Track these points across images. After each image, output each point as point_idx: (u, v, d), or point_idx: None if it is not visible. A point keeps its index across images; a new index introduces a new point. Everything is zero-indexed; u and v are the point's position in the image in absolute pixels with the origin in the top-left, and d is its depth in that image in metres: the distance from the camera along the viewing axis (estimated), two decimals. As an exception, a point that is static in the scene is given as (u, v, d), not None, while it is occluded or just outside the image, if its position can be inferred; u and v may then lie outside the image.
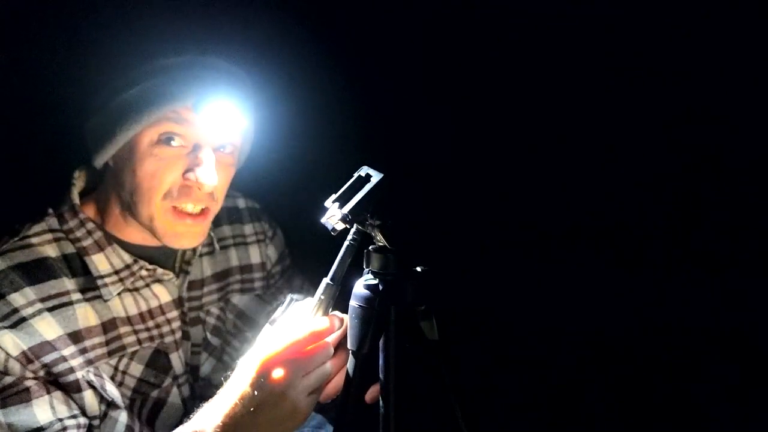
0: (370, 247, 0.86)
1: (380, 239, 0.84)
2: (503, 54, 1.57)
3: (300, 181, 1.48)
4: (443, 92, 1.63)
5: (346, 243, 0.85)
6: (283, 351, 0.81)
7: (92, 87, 1.05)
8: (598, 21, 1.49)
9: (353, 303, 0.85)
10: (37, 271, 1.01)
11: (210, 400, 0.88)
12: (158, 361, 1.13)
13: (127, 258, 1.10)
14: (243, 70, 1.10)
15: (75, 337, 1.01)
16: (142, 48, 1.02)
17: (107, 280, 1.07)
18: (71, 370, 0.99)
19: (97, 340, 1.04)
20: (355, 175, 0.85)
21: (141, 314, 1.11)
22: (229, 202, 1.33)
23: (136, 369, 1.10)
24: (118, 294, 1.09)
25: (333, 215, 0.82)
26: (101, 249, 1.08)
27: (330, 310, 0.86)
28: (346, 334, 0.87)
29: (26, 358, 0.95)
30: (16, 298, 0.97)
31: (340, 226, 0.83)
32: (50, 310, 0.99)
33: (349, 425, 0.84)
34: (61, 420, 0.96)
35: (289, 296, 0.92)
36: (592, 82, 1.54)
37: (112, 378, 1.06)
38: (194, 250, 1.21)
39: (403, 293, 0.85)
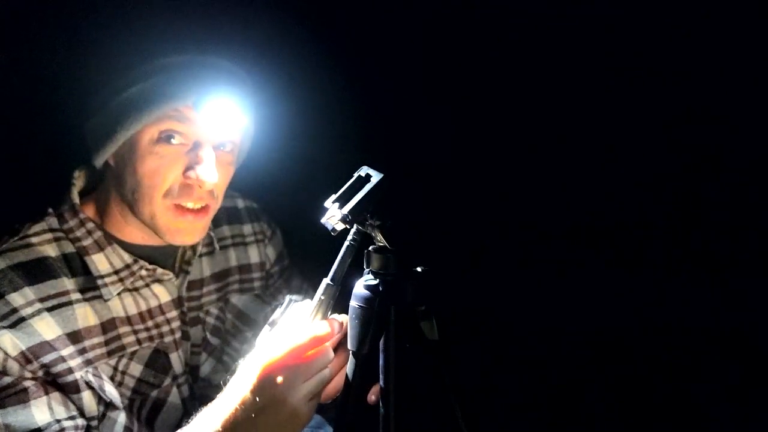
0: (370, 248, 0.86)
1: (380, 239, 0.84)
2: (503, 54, 1.57)
3: (300, 181, 1.48)
4: (443, 92, 1.63)
5: (346, 243, 0.85)
6: (283, 356, 0.80)
7: (93, 86, 1.05)
8: (598, 21, 1.49)
9: (353, 303, 0.85)
10: (36, 271, 1.01)
11: (209, 404, 0.87)
12: (158, 361, 1.13)
13: (127, 258, 1.10)
14: (243, 69, 1.10)
15: (74, 337, 1.01)
16: (143, 47, 1.03)
17: (107, 279, 1.07)
18: (70, 370, 0.99)
19: (96, 340, 1.04)
20: (355, 175, 0.85)
21: (140, 314, 1.11)
22: (228, 202, 1.33)
23: (136, 369, 1.09)
24: (118, 294, 1.08)
25: (333, 215, 0.82)
26: (101, 249, 1.08)
27: (330, 310, 0.86)
28: (346, 334, 0.87)
29: (25, 358, 0.95)
30: (16, 298, 0.97)
31: (340, 226, 0.83)
32: (49, 310, 0.99)
33: (349, 425, 0.84)
34: (59, 421, 0.96)
35: (288, 297, 0.91)
36: (591, 82, 1.54)
37: (112, 378, 1.06)
38: (194, 250, 1.21)
39: (403, 293, 0.85)
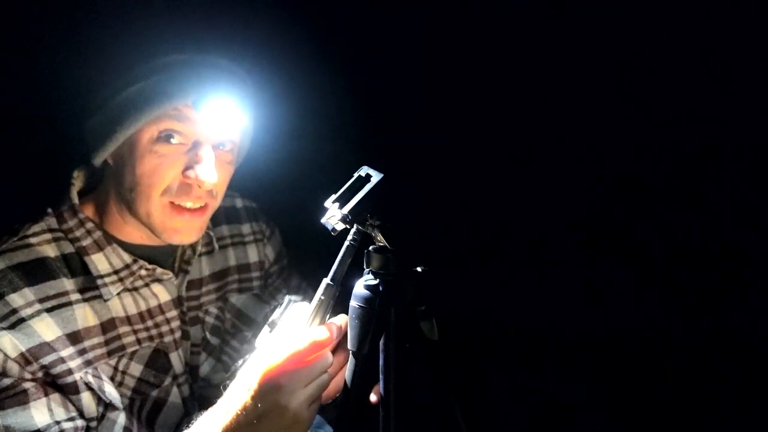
0: (370, 248, 0.86)
1: (380, 239, 0.84)
2: (504, 54, 1.57)
3: (299, 181, 1.48)
4: (443, 92, 1.63)
5: (347, 243, 0.84)
6: (284, 362, 0.80)
7: (92, 85, 1.05)
8: (598, 20, 1.49)
9: (353, 303, 0.85)
10: (36, 272, 1.01)
11: (209, 409, 0.87)
12: (158, 361, 1.12)
13: (127, 258, 1.10)
14: (243, 69, 1.10)
15: (74, 337, 1.01)
16: (143, 46, 1.02)
17: (107, 280, 1.07)
18: (69, 371, 0.99)
19: (96, 340, 1.04)
20: (355, 175, 0.85)
21: (140, 314, 1.11)
22: (226, 202, 1.33)
23: (136, 369, 1.09)
24: (118, 294, 1.08)
25: (333, 215, 0.82)
26: (101, 249, 1.08)
27: (330, 310, 0.86)
28: (346, 334, 0.87)
29: (25, 359, 0.95)
30: (15, 299, 0.97)
31: (340, 226, 0.83)
32: (49, 310, 0.99)
33: (349, 425, 0.84)
34: (58, 422, 0.96)
35: (287, 297, 0.91)
36: (591, 83, 1.54)
37: (112, 378, 1.05)
38: (194, 249, 1.21)
39: (404, 293, 0.85)
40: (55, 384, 0.98)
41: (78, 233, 1.07)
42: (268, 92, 1.15)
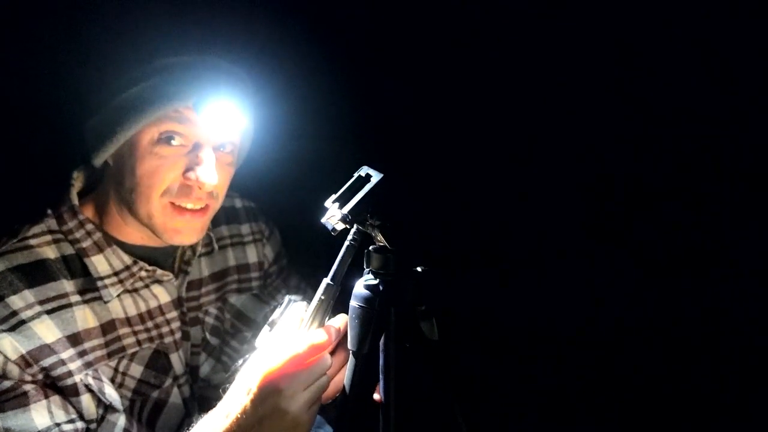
0: (370, 247, 0.86)
1: (380, 239, 0.84)
2: (504, 54, 1.57)
3: (299, 181, 1.48)
4: (443, 92, 1.63)
5: (347, 243, 0.85)
6: (283, 365, 0.80)
7: (93, 86, 1.05)
8: (598, 20, 1.49)
9: (353, 303, 0.85)
10: (36, 273, 1.01)
11: (209, 412, 0.87)
12: (158, 362, 1.12)
13: (127, 259, 1.10)
14: (243, 70, 1.10)
15: (74, 339, 1.01)
16: (143, 47, 1.02)
17: (107, 281, 1.07)
18: (69, 373, 0.99)
19: (96, 342, 1.04)
20: (355, 175, 0.85)
21: (140, 315, 1.11)
22: (226, 202, 1.32)
23: (136, 370, 1.09)
24: (118, 295, 1.08)
25: (333, 215, 0.82)
26: (101, 250, 1.08)
27: (330, 310, 0.86)
28: (346, 333, 0.87)
29: (25, 361, 0.95)
30: (15, 301, 0.97)
31: (341, 226, 0.83)
32: (49, 312, 0.99)
33: (349, 425, 0.84)
34: (58, 425, 0.96)
35: (287, 297, 0.91)
36: (591, 83, 1.54)
37: (112, 380, 1.05)
38: (194, 250, 1.21)
39: (404, 293, 0.85)
40: (55, 386, 0.98)
41: (78, 234, 1.07)
42: (268, 93, 1.15)
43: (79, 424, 0.98)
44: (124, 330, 1.08)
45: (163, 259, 1.16)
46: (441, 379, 0.90)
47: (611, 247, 1.62)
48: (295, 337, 0.84)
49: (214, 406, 0.87)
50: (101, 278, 1.06)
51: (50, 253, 1.04)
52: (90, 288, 1.06)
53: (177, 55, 1.02)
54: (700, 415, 1.52)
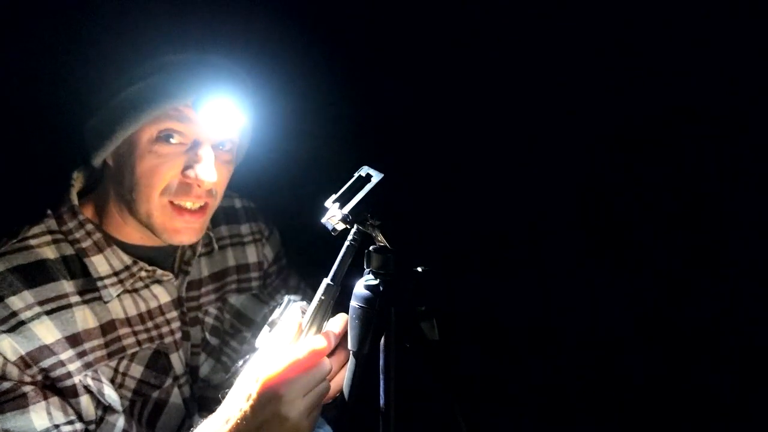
0: (370, 248, 0.86)
1: (381, 239, 0.84)
2: (504, 54, 1.57)
3: (299, 181, 1.48)
4: (444, 92, 1.63)
5: (347, 243, 0.85)
6: (283, 371, 0.80)
7: (92, 86, 1.05)
8: (598, 20, 1.49)
9: (354, 303, 0.85)
10: (35, 274, 1.01)
11: (208, 417, 0.87)
12: (158, 362, 1.12)
13: (127, 259, 1.10)
14: (242, 68, 1.10)
15: (74, 340, 1.00)
16: (142, 46, 1.02)
17: (107, 281, 1.07)
18: (69, 374, 0.99)
19: (96, 342, 1.04)
20: (356, 175, 0.85)
21: (140, 315, 1.11)
22: (225, 202, 1.33)
23: (136, 370, 1.09)
24: (118, 296, 1.08)
25: (333, 215, 0.82)
26: (100, 250, 1.08)
27: (330, 310, 0.86)
28: (346, 334, 0.87)
29: (24, 362, 0.95)
30: (15, 302, 0.97)
31: (341, 226, 0.83)
32: (49, 313, 0.99)
33: (349, 425, 0.84)
34: (57, 426, 0.96)
35: (286, 297, 0.92)
36: (591, 83, 1.54)
37: (112, 380, 1.05)
38: (194, 250, 1.21)
39: (404, 293, 0.85)
40: (54, 387, 0.98)
41: (78, 235, 1.07)
42: (268, 92, 1.15)
43: (78, 426, 0.98)
44: (124, 330, 1.08)
45: (163, 259, 1.16)
46: (441, 379, 0.90)
47: (611, 248, 1.62)
48: (295, 342, 0.84)
49: (214, 408, 0.87)
50: (101, 278, 1.06)
51: (50, 253, 1.04)
52: (90, 288, 1.06)
53: (176, 54, 1.02)
54: (700, 415, 1.52)
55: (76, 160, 1.14)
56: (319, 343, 0.82)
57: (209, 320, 1.25)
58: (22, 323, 0.96)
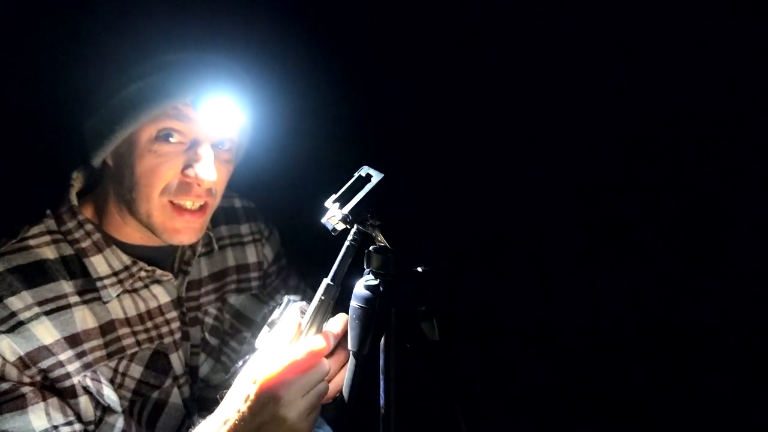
0: (370, 248, 0.85)
1: (381, 239, 0.84)
2: (504, 54, 1.57)
3: (299, 181, 1.48)
4: (444, 92, 1.62)
5: (347, 243, 0.84)
6: (281, 372, 0.80)
7: (91, 85, 1.05)
8: (598, 20, 1.49)
9: (354, 303, 0.85)
10: (35, 274, 1.00)
11: (207, 418, 0.86)
12: (158, 362, 1.12)
13: (126, 259, 1.10)
14: (242, 67, 1.10)
15: (73, 340, 1.00)
16: (142, 45, 1.02)
17: (106, 282, 1.07)
18: (68, 375, 0.99)
19: (95, 342, 1.04)
20: (356, 175, 0.85)
21: (140, 315, 1.11)
22: (225, 202, 1.33)
23: (136, 371, 1.09)
24: (117, 296, 1.08)
25: (333, 215, 0.82)
26: (100, 251, 1.08)
27: (330, 310, 0.86)
28: (346, 334, 0.87)
29: (23, 363, 0.95)
30: (14, 302, 0.97)
31: (341, 226, 0.83)
32: (48, 313, 0.99)
33: (349, 425, 0.84)
34: (56, 427, 0.95)
35: (286, 297, 0.91)
36: (591, 83, 1.54)
37: (112, 380, 1.05)
38: (194, 250, 1.21)
39: (404, 294, 0.85)
40: (53, 388, 0.98)
41: (77, 235, 1.07)
42: (267, 91, 1.15)
43: (77, 426, 0.98)
44: (123, 330, 1.08)
45: (162, 259, 1.16)
46: (441, 380, 0.90)
47: (611, 247, 1.62)
48: (295, 342, 0.84)
49: (213, 408, 0.87)
50: (101, 279, 1.06)
51: (49, 253, 1.04)
52: (89, 288, 1.05)
53: (176, 53, 1.02)
54: (700, 415, 1.52)
55: (75, 160, 1.14)
56: (318, 343, 0.82)
57: (209, 320, 1.24)
58: (21, 324, 0.96)
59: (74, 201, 1.09)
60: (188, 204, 1.07)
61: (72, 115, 1.08)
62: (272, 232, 1.40)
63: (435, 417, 0.91)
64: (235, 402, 0.83)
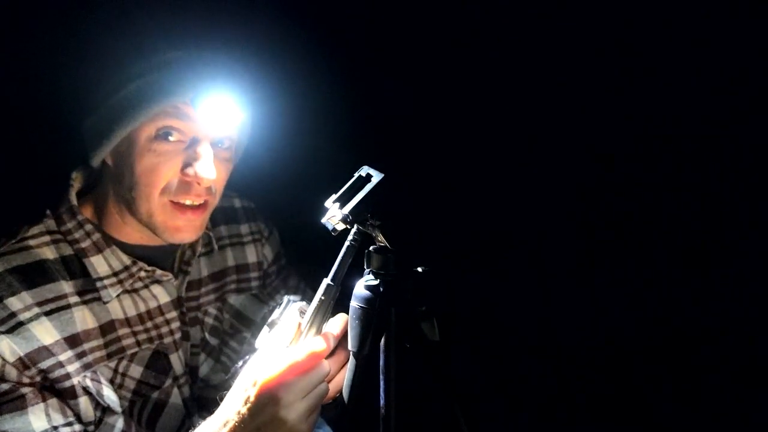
0: (370, 248, 0.85)
1: (381, 240, 0.84)
2: (504, 54, 1.57)
3: (299, 181, 1.48)
4: (444, 92, 1.62)
5: (347, 243, 0.84)
6: (281, 373, 0.80)
7: (91, 84, 1.04)
8: (598, 20, 1.49)
9: (354, 304, 0.85)
10: (34, 275, 1.00)
11: (206, 419, 0.86)
12: (158, 363, 1.12)
13: (126, 259, 1.09)
14: (241, 65, 1.09)
15: (73, 340, 1.00)
16: (140, 44, 1.02)
17: (106, 282, 1.07)
18: (68, 375, 0.98)
19: (95, 343, 1.03)
20: (356, 175, 0.84)
21: (140, 315, 1.11)
22: (225, 202, 1.33)
23: (136, 371, 1.09)
24: (117, 296, 1.08)
25: (333, 215, 0.82)
26: (100, 251, 1.08)
27: (330, 310, 0.86)
28: (346, 334, 0.86)
29: (23, 364, 0.95)
30: (14, 303, 0.96)
31: (341, 226, 0.83)
32: (48, 314, 0.99)
33: (349, 425, 0.84)
34: (56, 428, 0.95)
35: (286, 298, 0.91)
36: (591, 83, 1.54)
37: (111, 381, 1.05)
38: (194, 250, 1.21)
39: (404, 294, 0.85)
40: (53, 388, 0.98)
41: (77, 235, 1.07)
42: (267, 90, 1.15)
43: (77, 427, 0.98)
44: (123, 331, 1.08)
45: (162, 259, 1.16)
46: (441, 380, 0.90)
47: (611, 248, 1.62)
48: (295, 342, 0.84)
49: (213, 408, 0.87)
50: (100, 279, 1.06)
51: (49, 253, 1.04)
52: (89, 289, 1.05)
53: (174, 51, 1.02)
54: (700, 415, 1.52)
55: (75, 159, 1.13)
56: (319, 345, 0.82)
57: (209, 320, 1.24)
58: (20, 324, 0.96)
59: (74, 201, 1.09)
60: (188, 202, 1.07)
61: (71, 115, 1.08)
62: (272, 232, 1.40)
63: (435, 417, 0.91)
64: (235, 403, 0.83)
